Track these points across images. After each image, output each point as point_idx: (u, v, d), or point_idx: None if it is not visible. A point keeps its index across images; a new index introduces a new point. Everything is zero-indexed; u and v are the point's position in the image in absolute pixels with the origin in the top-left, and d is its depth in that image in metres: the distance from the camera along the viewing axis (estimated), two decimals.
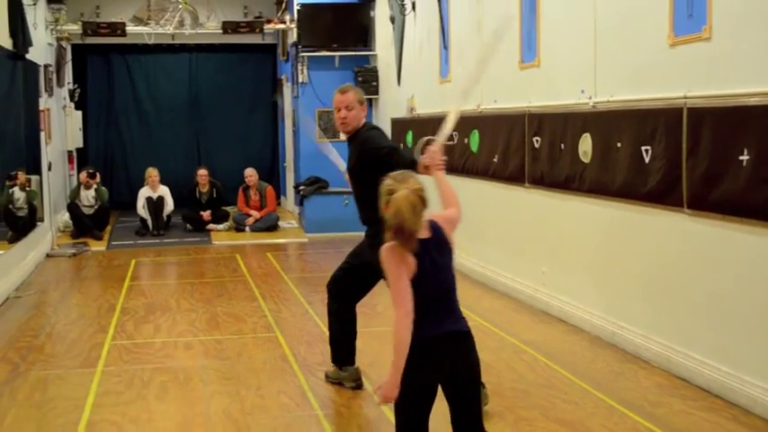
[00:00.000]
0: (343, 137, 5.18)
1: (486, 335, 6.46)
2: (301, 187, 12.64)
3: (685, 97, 5.10)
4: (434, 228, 3.43)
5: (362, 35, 12.83)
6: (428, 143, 4.10)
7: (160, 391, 5.24)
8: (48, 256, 10.65)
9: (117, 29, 13.74)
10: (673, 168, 5.24)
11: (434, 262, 3.41)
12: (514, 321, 6.87)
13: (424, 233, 3.37)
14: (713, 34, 4.89)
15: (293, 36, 13.20)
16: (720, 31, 4.84)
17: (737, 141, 4.63)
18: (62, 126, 13.43)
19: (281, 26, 14.05)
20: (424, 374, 3.33)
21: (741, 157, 4.60)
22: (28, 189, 9.67)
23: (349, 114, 4.90)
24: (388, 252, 3.30)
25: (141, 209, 12.70)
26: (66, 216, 12.66)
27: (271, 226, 12.61)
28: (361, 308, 5.24)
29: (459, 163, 8.78)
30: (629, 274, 5.89)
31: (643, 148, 5.54)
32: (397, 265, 3.31)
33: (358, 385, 5.09)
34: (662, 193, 5.37)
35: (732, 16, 4.74)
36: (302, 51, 12.76)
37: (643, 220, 5.67)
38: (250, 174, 12.96)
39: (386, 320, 6.49)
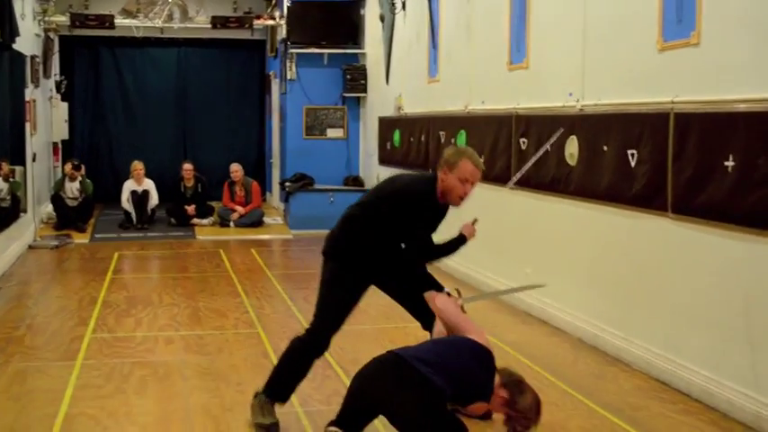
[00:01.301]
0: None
1: None
2: (287, 184, 12.61)
3: (672, 102, 5.11)
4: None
5: (352, 33, 12.81)
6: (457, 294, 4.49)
7: (139, 385, 5.21)
8: (30, 247, 10.59)
9: (105, 21, 13.65)
10: (658, 173, 5.25)
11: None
12: (497, 322, 6.87)
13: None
14: (702, 40, 4.90)
15: (282, 32, 13.17)
16: (709, 37, 4.85)
17: (723, 147, 4.65)
18: (48, 117, 13.34)
19: (271, 22, 14.03)
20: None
21: (726, 163, 4.61)
22: (11, 180, 9.60)
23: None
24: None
25: (125, 202, 12.63)
26: (49, 208, 12.58)
27: (255, 222, 12.58)
28: None
29: None
30: (613, 277, 5.90)
31: (629, 151, 5.54)
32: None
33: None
34: (647, 197, 5.38)
35: (721, 22, 4.75)
36: (291, 48, 12.73)
37: (627, 224, 5.68)
38: (236, 169, 12.92)
39: (369, 319, 6.50)
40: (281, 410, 4.38)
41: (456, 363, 3.82)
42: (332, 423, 3.93)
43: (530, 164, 5.65)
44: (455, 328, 4.08)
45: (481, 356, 3.91)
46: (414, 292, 4.43)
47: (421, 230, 4.28)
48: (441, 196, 4.30)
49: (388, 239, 4.28)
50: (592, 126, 6.05)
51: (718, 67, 4.78)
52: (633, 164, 5.51)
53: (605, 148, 5.83)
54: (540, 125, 6.82)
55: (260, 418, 4.30)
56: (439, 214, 4.41)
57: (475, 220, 4.54)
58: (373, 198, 4.40)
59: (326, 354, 4.56)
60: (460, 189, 4.26)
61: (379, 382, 3.77)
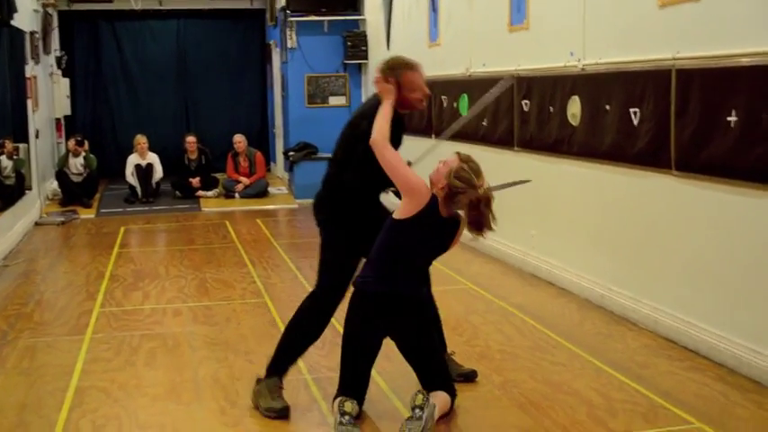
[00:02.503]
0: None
1: (475, 298, 6.47)
2: (290, 153, 12.59)
3: (674, 59, 5.07)
4: (454, 221, 3.97)
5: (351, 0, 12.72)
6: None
7: (149, 357, 5.24)
8: (36, 224, 10.61)
9: None
10: (661, 130, 5.22)
11: (423, 234, 3.91)
12: (503, 285, 6.88)
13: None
14: None
15: (281, 1, 13.08)
16: None
17: (726, 103, 4.62)
18: (49, 93, 13.31)
19: None
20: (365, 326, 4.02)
21: (729, 119, 4.58)
22: (15, 157, 9.59)
23: None
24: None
25: (130, 176, 12.63)
26: (54, 184, 12.60)
27: (260, 192, 12.58)
28: None
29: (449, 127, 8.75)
30: (618, 237, 5.89)
31: (631, 110, 5.51)
32: (423, 184, 3.96)
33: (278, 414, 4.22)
34: (650, 156, 5.36)
35: None
36: (291, 16, 12.64)
37: (631, 183, 5.66)
38: (239, 140, 12.90)
39: None
40: (290, 377, 4.40)
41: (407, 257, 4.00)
42: (339, 394, 3.98)
43: (470, 116, 5.56)
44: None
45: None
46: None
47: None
48: (397, 106, 4.18)
49: (370, 180, 4.17)
50: (594, 85, 6.01)
51: (720, 21, 4.73)
52: (636, 122, 5.48)
53: (607, 107, 5.79)
54: (542, 86, 6.78)
55: (270, 402, 4.21)
56: (398, 124, 4.19)
57: (409, 163, 4.35)
58: (341, 145, 4.29)
59: (335, 321, 4.57)
60: (414, 97, 4.19)
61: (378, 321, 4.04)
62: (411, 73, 4.16)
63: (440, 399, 3.98)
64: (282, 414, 4.18)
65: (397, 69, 4.17)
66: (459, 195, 3.87)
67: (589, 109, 6.06)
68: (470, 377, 4.60)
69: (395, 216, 3.98)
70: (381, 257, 4.00)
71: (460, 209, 3.91)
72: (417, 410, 3.80)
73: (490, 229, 3.91)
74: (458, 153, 4.01)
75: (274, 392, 4.24)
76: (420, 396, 3.85)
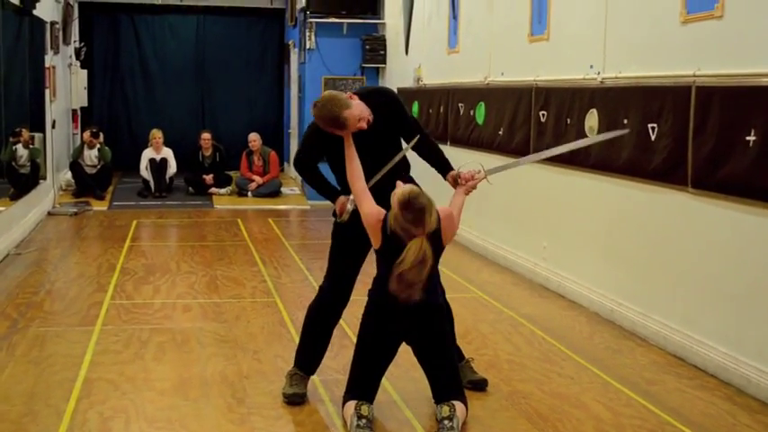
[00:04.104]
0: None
1: (485, 307, 6.47)
2: None
3: (695, 75, 5.06)
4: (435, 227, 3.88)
5: (371, 3, 12.72)
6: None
7: (158, 351, 5.26)
8: (49, 214, 10.65)
9: None
10: (678, 147, 5.21)
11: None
12: (513, 295, 6.87)
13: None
14: (726, 12, 4.84)
15: (302, 2, 13.09)
16: (733, 9, 4.79)
17: (745, 121, 4.60)
18: (67, 84, 13.37)
19: None
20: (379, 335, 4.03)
21: (748, 138, 4.57)
22: (31, 146, 9.64)
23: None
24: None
25: (144, 170, 12.68)
26: (68, 175, 12.65)
27: (273, 192, 12.61)
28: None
29: (465, 135, 8.76)
30: (630, 252, 5.88)
31: (649, 125, 5.51)
32: (376, 214, 3.94)
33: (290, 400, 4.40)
34: (666, 172, 5.35)
35: None
36: (310, 17, 12.67)
37: (646, 198, 5.66)
38: (254, 139, 12.94)
39: None
40: None
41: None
42: (351, 398, 3.98)
43: (562, 150, 5.15)
44: (456, 211, 4.14)
45: None
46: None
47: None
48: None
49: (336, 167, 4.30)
50: (612, 99, 6.01)
51: (743, 39, 4.72)
52: (653, 137, 5.48)
53: (625, 121, 5.79)
54: (560, 98, 6.78)
55: (285, 388, 4.43)
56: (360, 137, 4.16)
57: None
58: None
59: (343, 323, 4.59)
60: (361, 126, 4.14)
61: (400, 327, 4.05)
62: (348, 112, 4.06)
63: (460, 409, 3.97)
64: (291, 400, 4.36)
65: (338, 119, 4.06)
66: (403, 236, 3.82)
67: (607, 122, 6.06)
68: (480, 386, 4.59)
69: (374, 247, 4.04)
70: (385, 275, 3.97)
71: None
72: (446, 422, 3.85)
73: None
74: (404, 187, 3.91)
75: (291, 380, 4.44)
76: (446, 408, 3.89)
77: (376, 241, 3.98)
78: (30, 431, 4.02)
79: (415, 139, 4.24)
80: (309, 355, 4.51)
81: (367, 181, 4.07)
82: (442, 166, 4.44)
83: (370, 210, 3.98)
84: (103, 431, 4.03)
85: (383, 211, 3.94)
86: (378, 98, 4.36)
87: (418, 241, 3.76)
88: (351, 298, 4.45)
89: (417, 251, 3.74)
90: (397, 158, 4.19)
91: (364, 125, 4.13)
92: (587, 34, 6.43)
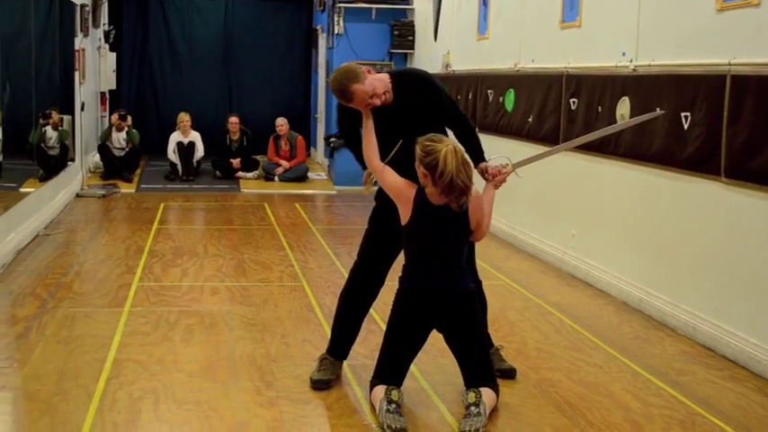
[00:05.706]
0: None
1: (513, 295, 6.45)
2: (332, 139, 12.60)
3: (730, 64, 5.00)
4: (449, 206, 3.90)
5: None
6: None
7: (186, 333, 5.28)
8: (78, 195, 10.73)
9: None
10: (712, 136, 5.16)
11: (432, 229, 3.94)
12: (541, 283, 6.84)
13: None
14: (763, 0, 4.77)
15: None
16: None
17: None
18: (96, 67, 13.42)
19: None
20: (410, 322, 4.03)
21: None
22: (60, 129, 9.70)
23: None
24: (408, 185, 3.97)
25: (171, 153, 12.72)
26: (96, 157, 12.72)
27: (300, 176, 12.62)
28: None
29: (494, 122, 8.72)
30: (660, 241, 5.83)
31: (682, 114, 5.45)
32: (404, 185, 3.98)
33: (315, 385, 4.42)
34: (699, 161, 5.30)
35: None
36: (339, 2, 12.65)
37: (678, 188, 5.60)
38: (281, 123, 12.94)
39: None
40: None
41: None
42: (379, 382, 3.99)
43: (600, 134, 5.13)
44: (487, 207, 4.18)
45: None
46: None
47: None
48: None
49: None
50: (644, 87, 5.95)
51: None
52: (686, 126, 5.42)
53: (658, 109, 5.72)
54: (592, 85, 6.72)
55: (313, 373, 4.45)
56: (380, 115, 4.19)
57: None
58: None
59: (372, 310, 4.58)
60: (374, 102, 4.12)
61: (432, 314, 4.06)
62: (357, 86, 4.05)
63: (488, 395, 3.97)
64: (316, 386, 4.37)
65: (346, 91, 4.06)
66: (437, 165, 3.80)
67: (639, 110, 5.99)
68: (509, 374, 4.57)
69: (402, 223, 4.03)
70: (414, 259, 4.06)
71: (446, 180, 3.81)
72: (473, 407, 3.85)
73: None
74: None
75: (320, 364, 4.47)
76: (473, 394, 3.90)
77: (406, 212, 3.98)
78: (60, 410, 4.05)
79: (398, 144, 4.13)
80: (340, 341, 4.53)
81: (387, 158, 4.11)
82: (474, 155, 4.42)
83: (395, 182, 4.04)
84: (133, 411, 4.06)
85: (414, 184, 3.97)
86: (407, 80, 4.33)
87: (451, 149, 3.81)
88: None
89: (453, 153, 3.80)
90: (393, 152, 4.14)
91: (377, 102, 4.11)
92: (620, 21, 6.37)
